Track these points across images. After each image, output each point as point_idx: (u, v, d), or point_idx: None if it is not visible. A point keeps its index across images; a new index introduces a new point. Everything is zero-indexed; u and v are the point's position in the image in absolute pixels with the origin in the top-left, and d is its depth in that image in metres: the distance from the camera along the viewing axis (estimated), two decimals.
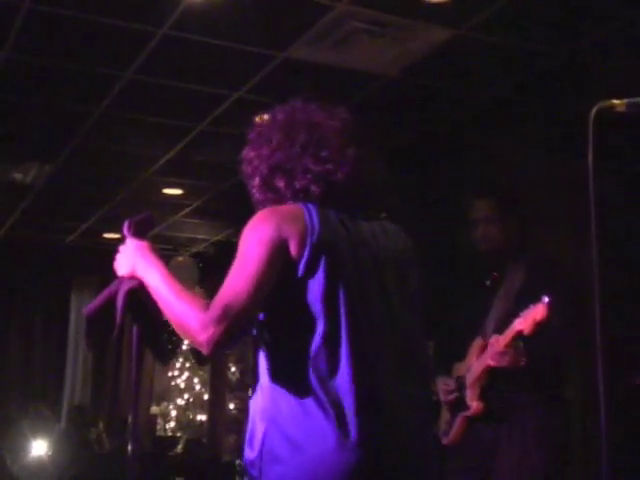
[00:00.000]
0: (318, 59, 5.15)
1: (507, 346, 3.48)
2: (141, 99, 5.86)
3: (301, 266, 2.07)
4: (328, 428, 1.99)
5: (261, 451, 2.07)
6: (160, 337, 2.43)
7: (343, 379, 2.03)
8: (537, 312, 3.39)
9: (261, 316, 2.13)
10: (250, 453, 2.12)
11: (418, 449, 2.15)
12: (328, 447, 1.98)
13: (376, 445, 2.02)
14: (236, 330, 2.03)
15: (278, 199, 2.25)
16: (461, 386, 3.78)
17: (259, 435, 2.09)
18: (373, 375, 2.07)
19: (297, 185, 2.22)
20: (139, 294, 2.25)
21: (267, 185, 2.26)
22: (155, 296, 2.17)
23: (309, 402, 2.03)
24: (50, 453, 8.45)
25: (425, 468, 2.17)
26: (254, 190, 2.31)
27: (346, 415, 2.00)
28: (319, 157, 2.23)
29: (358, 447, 1.99)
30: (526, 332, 3.42)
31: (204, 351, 2.02)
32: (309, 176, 2.22)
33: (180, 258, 10.17)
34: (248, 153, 2.33)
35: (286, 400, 2.06)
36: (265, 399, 2.12)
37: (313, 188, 2.22)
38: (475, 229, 3.89)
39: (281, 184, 2.24)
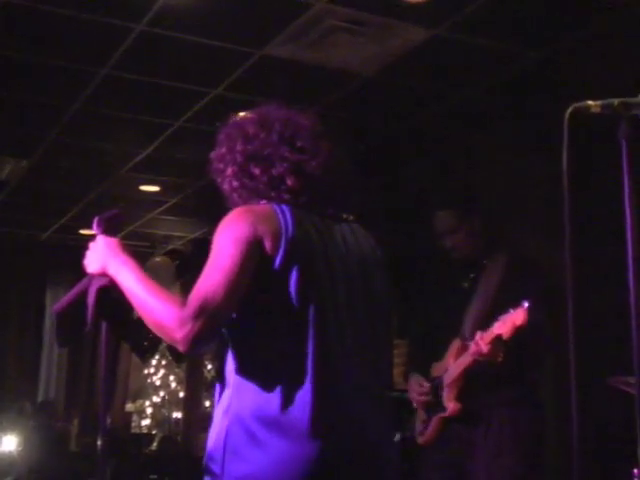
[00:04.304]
0: (295, 57, 5.14)
1: (487, 345, 3.48)
2: (118, 95, 5.83)
3: (276, 265, 2.06)
4: (290, 425, 2.00)
5: (224, 447, 2.06)
6: (137, 334, 2.41)
7: (308, 377, 2.03)
8: (517, 317, 3.38)
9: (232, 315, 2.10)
10: (212, 448, 2.11)
11: (377, 442, 2.16)
12: (290, 443, 1.99)
13: (336, 439, 2.03)
14: (213, 327, 2.02)
15: (253, 187, 2.24)
16: (437, 387, 3.78)
17: (222, 430, 2.08)
18: (338, 376, 2.09)
19: (274, 172, 2.22)
20: (110, 292, 2.23)
21: (243, 172, 2.25)
22: (128, 294, 2.14)
23: (274, 399, 2.03)
24: (20, 449, 8.41)
25: (384, 460, 2.18)
26: (226, 180, 2.29)
27: (308, 411, 2.01)
28: (295, 146, 2.25)
29: (318, 442, 2.00)
30: (505, 337, 3.42)
31: (181, 349, 1.99)
32: (285, 165, 2.22)
33: (157, 258, 10.11)
34: (219, 151, 2.32)
35: (251, 397, 2.06)
36: (231, 396, 2.12)
37: (288, 180, 2.21)
38: (443, 241, 3.89)
39: (257, 171, 2.23)
